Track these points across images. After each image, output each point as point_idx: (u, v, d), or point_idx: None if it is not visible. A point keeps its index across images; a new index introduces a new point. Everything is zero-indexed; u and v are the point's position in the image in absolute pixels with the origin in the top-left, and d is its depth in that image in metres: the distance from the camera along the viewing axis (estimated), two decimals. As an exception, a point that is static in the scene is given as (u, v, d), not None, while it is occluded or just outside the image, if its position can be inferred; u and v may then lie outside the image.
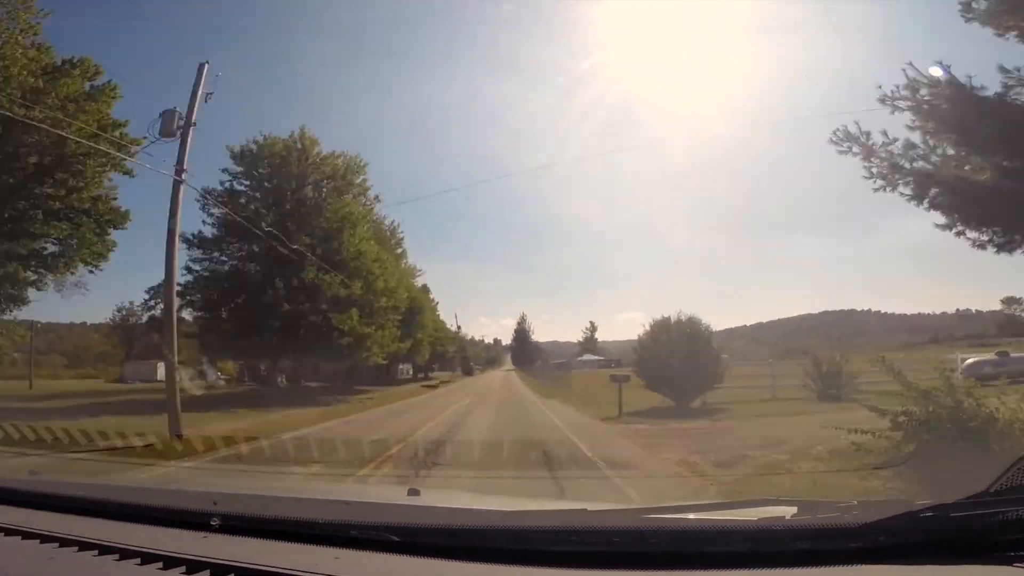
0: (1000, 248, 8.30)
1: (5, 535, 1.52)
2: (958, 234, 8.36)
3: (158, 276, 18.66)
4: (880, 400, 6.67)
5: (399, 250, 37.01)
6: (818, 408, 12.86)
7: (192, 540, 1.39)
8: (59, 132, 15.92)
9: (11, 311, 20.88)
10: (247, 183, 25.90)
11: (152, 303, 38.95)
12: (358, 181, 28.02)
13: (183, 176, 11.97)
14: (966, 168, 8.24)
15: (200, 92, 12.30)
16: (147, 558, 1.30)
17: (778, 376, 18.00)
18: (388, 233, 35.53)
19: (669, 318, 16.95)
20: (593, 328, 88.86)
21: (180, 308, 20.43)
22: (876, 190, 8.35)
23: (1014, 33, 7.66)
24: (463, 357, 57.69)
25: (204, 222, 25.54)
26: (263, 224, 20.44)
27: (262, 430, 11.69)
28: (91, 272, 21.02)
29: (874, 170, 8.40)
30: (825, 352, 17.60)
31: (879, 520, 1.16)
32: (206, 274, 25.17)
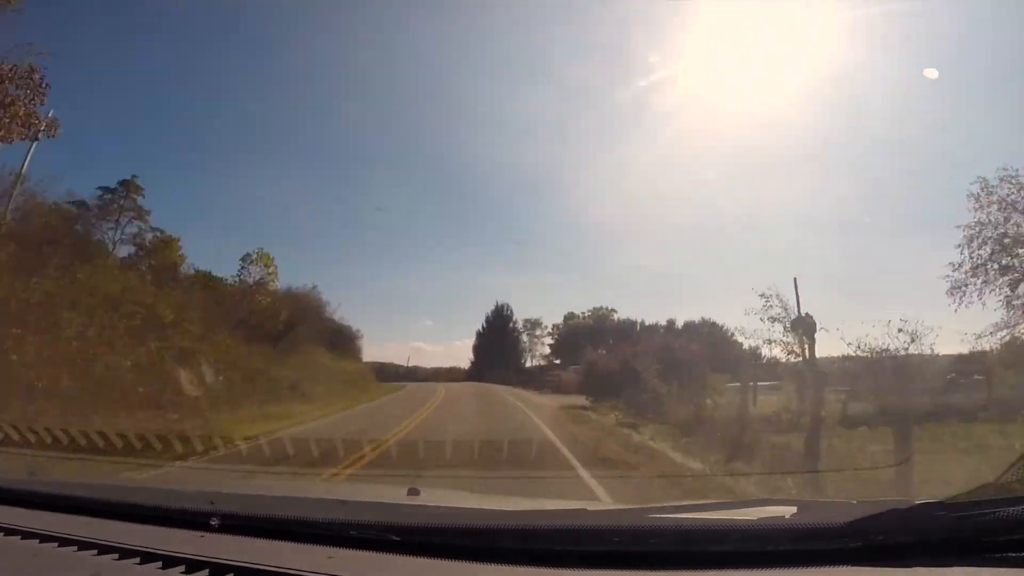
0: None
1: (4, 535, 1.52)
2: None
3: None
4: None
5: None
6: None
7: (191, 539, 1.39)
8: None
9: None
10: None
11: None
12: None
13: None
14: None
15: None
16: (146, 557, 1.30)
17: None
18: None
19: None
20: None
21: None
22: None
23: None
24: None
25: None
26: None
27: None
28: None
29: None
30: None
31: (879, 520, 1.15)
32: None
